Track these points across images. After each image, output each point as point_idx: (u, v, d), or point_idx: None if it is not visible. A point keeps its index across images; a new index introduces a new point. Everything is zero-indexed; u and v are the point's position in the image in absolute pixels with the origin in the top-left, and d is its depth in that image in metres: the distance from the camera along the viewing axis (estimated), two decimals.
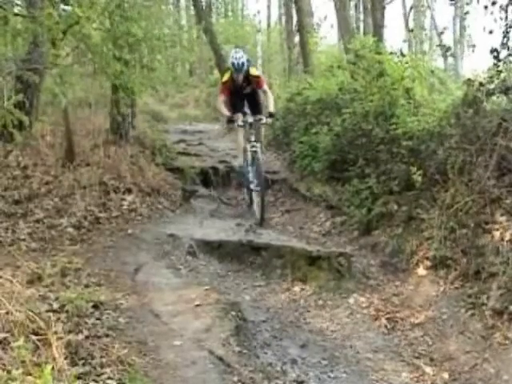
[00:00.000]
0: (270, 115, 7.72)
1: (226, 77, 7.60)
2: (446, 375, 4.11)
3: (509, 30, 5.94)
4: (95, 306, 4.20)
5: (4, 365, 2.83)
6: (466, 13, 11.11)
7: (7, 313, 3.28)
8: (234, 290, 5.63)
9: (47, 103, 8.37)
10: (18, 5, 6.12)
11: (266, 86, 7.97)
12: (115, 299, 4.49)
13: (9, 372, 2.72)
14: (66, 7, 5.59)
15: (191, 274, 5.67)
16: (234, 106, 7.75)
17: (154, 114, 13.82)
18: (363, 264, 6.12)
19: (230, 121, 7.60)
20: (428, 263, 5.49)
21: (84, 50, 5.99)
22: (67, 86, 5.59)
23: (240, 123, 7.55)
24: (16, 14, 5.49)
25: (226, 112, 7.60)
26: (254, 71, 7.82)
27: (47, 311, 3.71)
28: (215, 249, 6.39)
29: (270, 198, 8.29)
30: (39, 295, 4.08)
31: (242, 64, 7.43)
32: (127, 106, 8.19)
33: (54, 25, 4.77)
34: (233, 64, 7.44)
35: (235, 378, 3.56)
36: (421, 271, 5.56)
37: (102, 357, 3.40)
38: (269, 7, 25.63)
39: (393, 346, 4.62)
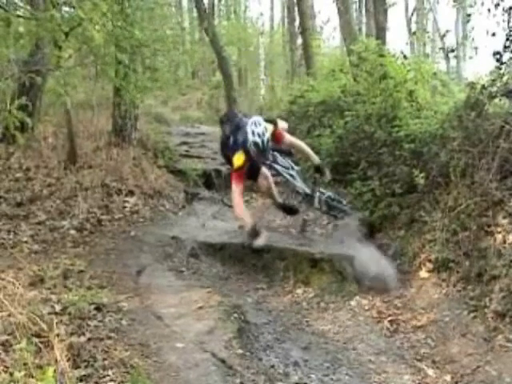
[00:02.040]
0: (318, 169, 6.44)
1: (241, 160, 5.55)
2: (448, 377, 4.10)
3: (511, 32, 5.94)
4: (97, 309, 4.19)
5: (6, 367, 2.84)
6: (469, 15, 11.09)
7: (9, 315, 3.29)
8: (237, 293, 5.63)
9: (50, 105, 8.38)
10: (20, 7, 6.11)
11: (286, 135, 6.17)
12: (117, 301, 4.48)
13: (11, 374, 2.72)
14: (69, 9, 5.60)
15: (194, 276, 5.67)
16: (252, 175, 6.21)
17: (156, 116, 13.80)
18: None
19: (254, 233, 5.57)
20: (430, 266, 5.48)
21: (86, 52, 6.00)
22: (70, 89, 5.62)
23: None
24: (18, 16, 5.49)
25: (247, 220, 5.69)
26: (269, 130, 5.67)
27: (49, 313, 3.70)
28: (218, 251, 6.39)
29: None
30: (41, 297, 4.08)
31: (268, 140, 5.50)
32: (130, 108, 8.20)
33: (56, 27, 4.77)
34: (256, 145, 5.45)
35: (238, 381, 3.56)
36: (423, 274, 5.55)
37: (104, 359, 3.41)
38: (272, 9, 25.81)
39: (395, 348, 4.62)
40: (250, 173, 5.92)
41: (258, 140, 5.39)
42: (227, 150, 5.87)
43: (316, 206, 6.61)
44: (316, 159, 6.41)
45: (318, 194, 6.56)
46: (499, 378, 3.94)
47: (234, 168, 5.61)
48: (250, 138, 5.42)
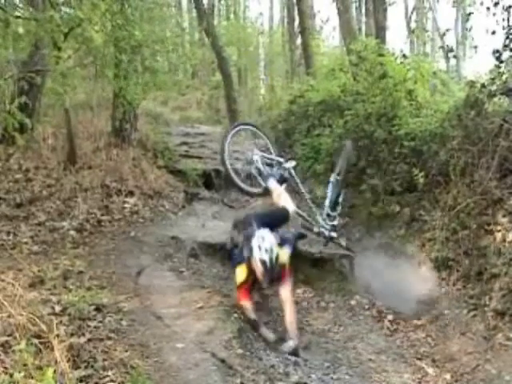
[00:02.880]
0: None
1: (243, 275, 4.88)
2: (448, 376, 4.11)
3: (511, 31, 5.93)
4: (97, 309, 4.19)
5: (6, 368, 2.83)
6: (469, 14, 11.07)
7: (9, 316, 3.29)
8: None
9: (49, 106, 8.37)
10: (19, 7, 6.10)
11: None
12: (117, 302, 4.48)
13: (11, 375, 2.72)
14: (68, 9, 5.59)
15: (194, 277, 5.66)
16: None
17: (156, 117, 13.78)
18: (366, 265, 6.10)
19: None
20: (430, 264, 5.49)
21: (86, 53, 5.99)
22: (69, 89, 5.61)
23: None
24: (17, 17, 5.49)
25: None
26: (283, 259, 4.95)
27: (49, 314, 3.70)
28: (218, 251, 6.38)
29: None
30: (41, 298, 4.08)
31: (277, 257, 4.81)
32: (129, 109, 8.19)
33: (55, 27, 4.77)
34: (264, 263, 4.74)
35: (238, 380, 3.57)
36: (423, 272, 5.55)
37: (104, 359, 3.41)
38: (271, 9, 25.76)
39: (395, 347, 4.62)
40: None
41: (266, 257, 4.72)
42: (231, 259, 5.28)
43: None
44: None
45: None
46: (499, 377, 3.95)
47: (236, 284, 4.92)
48: (257, 253, 4.75)
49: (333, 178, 6.60)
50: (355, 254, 6.11)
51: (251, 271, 4.81)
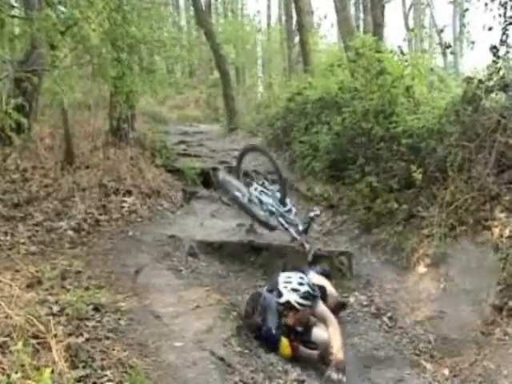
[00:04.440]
0: None
1: (288, 349, 4.35)
2: (446, 371, 4.12)
3: (508, 27, 5.93)
4: (96, 309, 4.17)
5: (3, 369, 2.82)
6: (466, 10, 11.06)
7: (6, 317, 3.27)
8: (235, 291, 5.62)
9: (46, 106, 8.36)
10: (14, 7, 6.09)
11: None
12: (116, 301, 4.46)
13: (8, 376, 2.71)
14: (64, 8, 5.58)
15: (192, 275, 5.65)
16: None
17: (153, 116, 13.80)
18: (364, 262, 6.12)
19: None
20: (428, 260, 5.50)
21: (82, 52, 5.97)
22: (66, 89, 5.59)
23: None
24: (13, 16, 5.48)
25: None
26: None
27: (47, 315, 3.68)
28: (216, 249, 6.39)
29: None
30: (39, 299, 4.05)
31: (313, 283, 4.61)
32: (127, 108, 8.18)
33: (51, 26, 4.75)
34: (305, 298, 4.41)
35: (236, 378, 3.56)
36: (421, 269, 5.56)
37: (102, 359, 3.39)
38: (269, 7, 25.72)
39: (394, 343, 4.62)
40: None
41: (303, 290, 4.40)
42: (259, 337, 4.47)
43: None
44: None
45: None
46: (497, 372, 3.96)
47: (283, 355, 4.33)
48: (292, 297, 4.37)
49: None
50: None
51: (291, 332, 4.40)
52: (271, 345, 4.35)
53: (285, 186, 6.61)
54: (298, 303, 4.33)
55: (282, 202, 6.39)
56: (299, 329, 4.43)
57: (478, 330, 4.46)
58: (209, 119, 16.18)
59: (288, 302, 4.33)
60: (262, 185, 6.49)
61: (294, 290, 4.36)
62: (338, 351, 4.10)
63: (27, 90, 6.97)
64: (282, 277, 4.58)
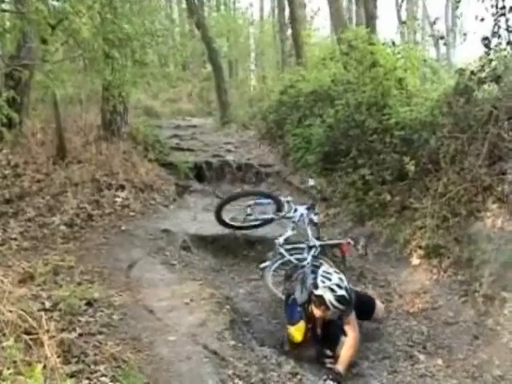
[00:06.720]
0: None
1: (301, 334, 4.29)
2: (440, 362, 4.13)
3: (499, 18, 5.92)
4: (88, 304, 4.18)
5: None
6: (459, 1, 11.04)
7: None
8: (229, 284, 5.64)
9: (37, 100, 8.32)
10: (4, 1, 6.04)
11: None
12: (109, 296, 4.46)
13: (0, 372, 2.70)
14: (55, 2, 5.53)
15: (185, 269, 5.65)
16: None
17: (146, 110, 13.78)
18: (357, 254, 6.12)
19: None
20: (421, 252, 5.51)
21: (74, 46, 5.93)
22: (57, 84, 5.56)
23: None
24: (3, 10, 5.44)
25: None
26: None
27: (39, 310, 3.67)
28: (209, 243, 6.41)
29: None
30: (31, 294, 4.05)
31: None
32: (119, 102, 8.14)
33: (42, 20, 4.71)
34: (343, 298, 4.24)
35: (230, 372, 3.57)
36: (414, 260, 5.58)
37: (95, 354, 3.39)
38: (261, 0, 25.61)
39: (387, 335, 4.63)
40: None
41: (339, 293, 4.23)
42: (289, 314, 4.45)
43: None
44: None
45: None
46: (489, 361, 3.97)
47: (290, 344, 4.35)
48: (328, 296, 4.21)
49: None
50: None
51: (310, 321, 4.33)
52: (289, 318, 4.35)
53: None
54: (332, 304, 4.20)
55: None
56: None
57: (470, 321, 4.47)
58: (202, 113, 16.14)
59: (321, 297, 4.23)
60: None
61: (331, 290, 4.21)
62: (342, 363, 4.02)
63: (18, 84, 6.94)
64: (322, 269, 4.46)
